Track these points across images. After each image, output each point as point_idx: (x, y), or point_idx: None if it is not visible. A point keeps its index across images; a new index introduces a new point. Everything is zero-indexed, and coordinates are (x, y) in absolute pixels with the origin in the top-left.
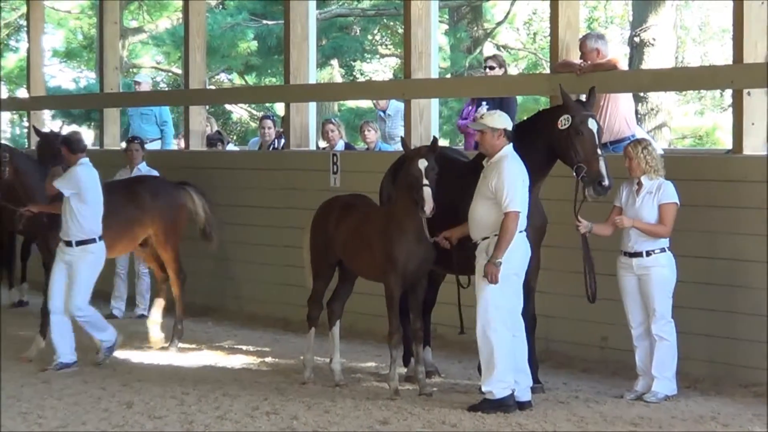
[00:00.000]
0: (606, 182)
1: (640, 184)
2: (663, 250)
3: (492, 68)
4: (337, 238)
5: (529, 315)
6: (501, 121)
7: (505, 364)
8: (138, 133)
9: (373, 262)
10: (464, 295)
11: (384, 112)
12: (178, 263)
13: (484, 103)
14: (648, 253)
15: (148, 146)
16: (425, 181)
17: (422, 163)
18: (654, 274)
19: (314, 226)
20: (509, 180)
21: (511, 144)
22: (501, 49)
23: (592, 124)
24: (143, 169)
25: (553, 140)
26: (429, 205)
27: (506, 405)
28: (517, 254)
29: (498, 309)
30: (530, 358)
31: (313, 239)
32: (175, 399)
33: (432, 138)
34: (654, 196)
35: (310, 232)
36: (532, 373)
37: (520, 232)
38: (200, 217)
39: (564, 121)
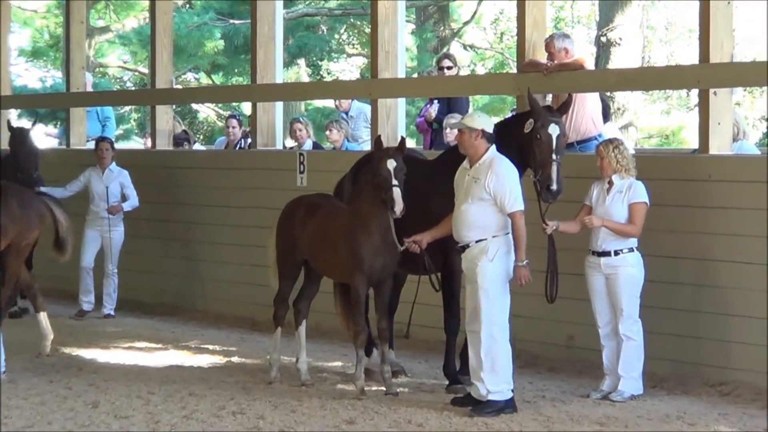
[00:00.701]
0: (554, 186)
1: (611, 182)
2: (631, 249)
3: (450, 68)
4: (302, 238)
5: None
6: (480, 121)
7: (508, 367)
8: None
9: (338, 262)
10: (426, 296)
11: (346, 113)
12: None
13: (435, 102)
14: (616, 253)
15: (91, 143)
16: (394, 182)
17: (391, 164)
18: (622, 274)
19: (280, 225)
20: (508, 180)
21: (494, 145)
22: (468, 48)
23: (552, 129)
24: (114, 169)
25: (521, 143)
26: (399, 206)
27: (511, 406)
28: (511, 256)
29: (501, 312)
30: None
31: (278, 239)
32: (141, 399)
33: (399, 138)
34: (624, 196)
35: (275, 231)
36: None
37: (507, 234)
38: (61, 226)
39: (528, 125)
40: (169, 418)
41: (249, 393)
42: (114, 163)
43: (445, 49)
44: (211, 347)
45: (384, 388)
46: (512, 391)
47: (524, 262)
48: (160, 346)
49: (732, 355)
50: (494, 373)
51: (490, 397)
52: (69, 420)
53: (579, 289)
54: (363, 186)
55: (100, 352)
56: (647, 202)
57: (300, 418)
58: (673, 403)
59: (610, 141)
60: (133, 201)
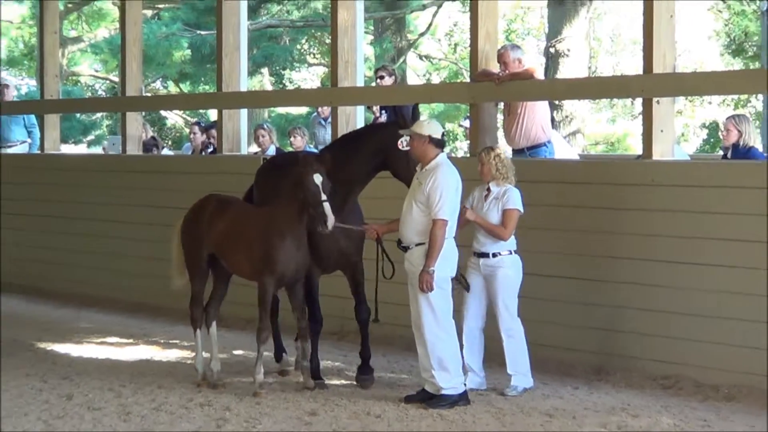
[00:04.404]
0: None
1: (488, 189)
2: (510, 252)
3: (382, 78)
4: (211, 233)
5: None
6: (428, 128)
7: (457, 363)
8: (5, 134)
9: (250, 262)
10: (383, 294)
11: (325, 120)
12: None
13: (383, 111)
14: (494, 255)
15: (17, 149)
16: (323, 197)
17: (318, 178)
18: (499, 275)
19: (186, 222)
20: (441, 188)
21: (444, 153)
22: (423, 59)
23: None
24: None
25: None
26: (331, 221)
27: (465, 399)
28: (451, 260)
29: (444, 313)
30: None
31: (184, 236)
32: (113, 391)
33: (324, 153)
34: (499, 202)
35: (180, 229)
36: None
37: (451, 239)
38: None
39: (402, 143)
40: (140, 409)
41: (215, 386)
42: None
43: (402, 60)
44: (179, 342)
45: (303, 382)
46: (464, 384)
47: (431, 270)
48: (130, 341)
49: (673, 351)
50: (443, 370)
51: (443, 392)
52: (44, 411)
53: (526, 287)
54: (281, 193)
55: (74, 346)
56: (520, 209)
57: (264, 410)
58: (618, 395)
59: (492, 149)
60: None
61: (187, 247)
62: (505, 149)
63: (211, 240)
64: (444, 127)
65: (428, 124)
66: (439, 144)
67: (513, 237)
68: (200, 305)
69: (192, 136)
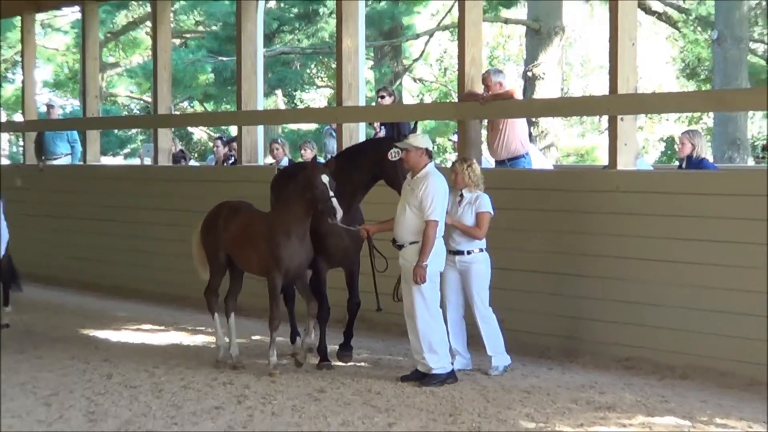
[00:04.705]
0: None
1: (461, 195)
2: (481, 250)
3: (383, 97)
4: (225, 236)
5: (354, 302)
6: (424, 141)
7: (445, 346)
8: (51, 148)
9: (258, 260)
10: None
11: (335, 131)
12: None
13: (382, 127)
14: (468, 252)
15: (61, 161)
16: (331, 193)
17: (325, 178)
18: (473, 270)
19: (205, 226)
20: (432, 194)
21: (432, 163)
22: (417, 81)
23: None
24: None
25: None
26: (339, 213)
27: (453, 377)
28: (440, 256)
29: (433, 302)
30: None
31: (203, 238)
32: (147, 371)
33: (330, 158)
34: (472, 206)
35: (200, 231)
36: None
37: (440, 238)
38: None
39: (393, 154)
40: (171, 387)
41: (236, 367)
42: None
43: (398, 82)
44: (204, 329)
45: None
46: (452, 364)
47: (425, 264)
48: (162, 328)
49: (635, 336)
50: (432, 353)
51: (434, 372)
52: (87, 389)
53: (510, 281)
54: (288, 196)
55: (113, 332)
56: (491, 212)
57: (278, 387)
58: (587, 375)
59: (465, 160)
60: (2, 241)
61: (207, 248)
62: (487, 159)
63: (226, 242)
64: (435, 141)
65: (422, 138)
66: (430, 155)
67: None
68: (214, 294)
69: (215, 149)
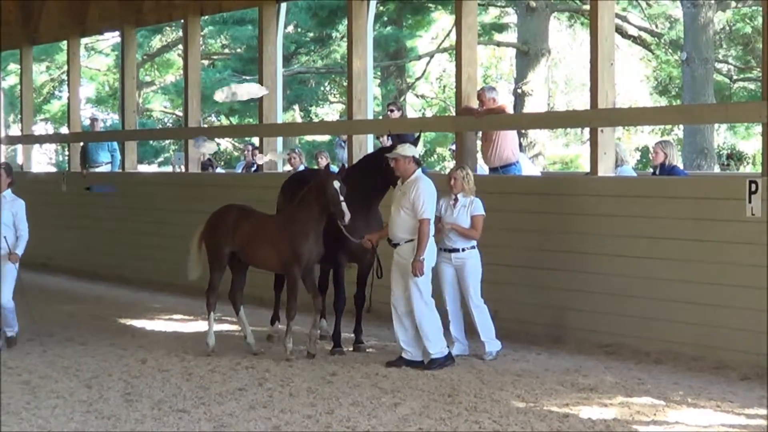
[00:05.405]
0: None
1: (456, 199)
2: (473, 247)
3: (392, 111)
4: (235, 236)
5: (361, 296)
6: (410, 150)
7: (439, 332)
8: (94, 157)
9: (277, 257)
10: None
11: (344, 143)
12: None
13: (389, 137)
14: (463, 249)
15: (102, 168)
16: (341, 198)
17: (337, 184)
18: (468, 265)
19: (210, 226)
20: (423, 195)
21: (420, 169)
22: (419, 97)
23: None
24: (8, 196)
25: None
26: (348, 215)
27: (451, 360)
28: (432, 252)
29: (427, 294)
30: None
31: (207, 239)
32: (178, 356)
33: (342, 166)
34: (467, 209)
35: (202, 232)
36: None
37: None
38: None
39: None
40: (199, 371)
41: (257, 353)
42: (9, 191)
43: (402, 98)
44: (228, 318)
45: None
46: (448, 347)
47: (422, 258)
48: (191, 318)
49: (615, 324)
50: (430, 340)
51: (433, 357)
52: (124, 372)
53: (503, 275)
54: (302, 199)
55: (147, 322)
56: (484, 214)
57: (295, 371)
58: (572, 359)
59: (462, 168)
60: (22, 240)
61: (210, 247)
62: (481, 167)
63: (236, 241)
64: (434, 151)
65: (410, 148)
66: (417, 162)
67: None
68: (215, 292)
69: (246, 153)
